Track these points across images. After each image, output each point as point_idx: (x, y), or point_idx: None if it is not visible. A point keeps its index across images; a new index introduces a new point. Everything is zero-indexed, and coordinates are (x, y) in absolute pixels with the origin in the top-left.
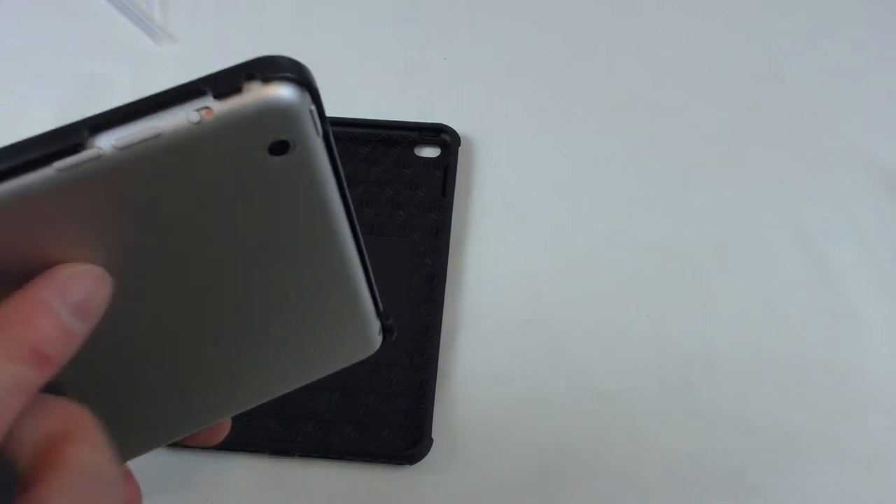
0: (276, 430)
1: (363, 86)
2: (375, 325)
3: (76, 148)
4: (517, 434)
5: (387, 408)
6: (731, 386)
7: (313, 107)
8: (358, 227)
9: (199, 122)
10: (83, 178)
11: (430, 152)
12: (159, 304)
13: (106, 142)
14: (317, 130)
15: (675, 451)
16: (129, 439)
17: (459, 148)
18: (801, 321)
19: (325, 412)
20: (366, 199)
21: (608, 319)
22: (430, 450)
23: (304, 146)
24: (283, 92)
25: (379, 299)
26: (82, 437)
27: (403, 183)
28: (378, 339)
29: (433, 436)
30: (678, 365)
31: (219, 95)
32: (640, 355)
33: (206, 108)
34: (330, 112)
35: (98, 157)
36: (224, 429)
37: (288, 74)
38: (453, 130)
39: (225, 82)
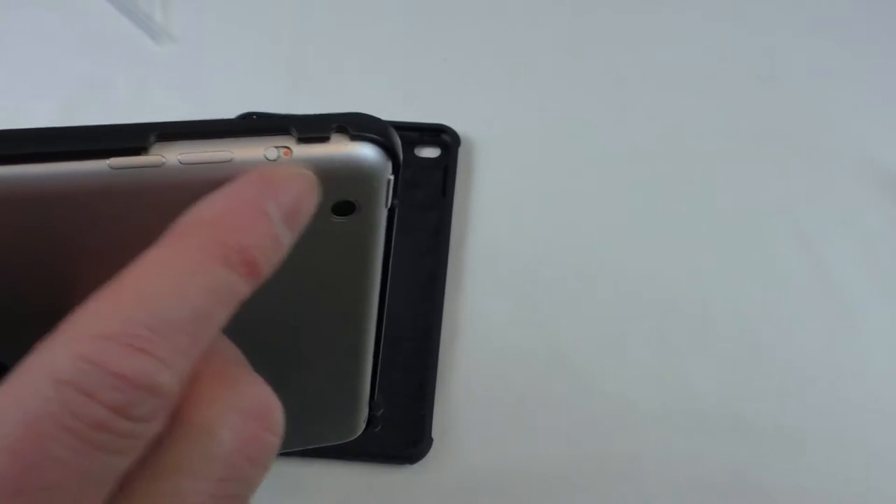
0: None
1: (363, 86)
2: (364, 411)
3: (138, 150)
4: (517, 434)
5: (387, 408)
6: (730, 386)
7: (392, 177)
8: (385, 309)
9: (274, 160)
10: (137, 182)
11: (430, 152)
12: None
13: (171, 152)
14: (386, 202)
15: (674, 450)
16: None
17: (459, 148)
18: (800, 321)
19: None
20: None
21: (608, 319)
22: (430, 450)
23: (368, 214)
24: (369, 153)
25: (377, 388)
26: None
27: (403, 183)
28: (361, 427)
29: (433, 436)
30: (678, 365)
31: (303, 139)
32: (640, 355)
33: (287, 147)
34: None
35: (159, 166)
36: None
37: (378, 137)
38: (453, 131)
39: (313, 127)
